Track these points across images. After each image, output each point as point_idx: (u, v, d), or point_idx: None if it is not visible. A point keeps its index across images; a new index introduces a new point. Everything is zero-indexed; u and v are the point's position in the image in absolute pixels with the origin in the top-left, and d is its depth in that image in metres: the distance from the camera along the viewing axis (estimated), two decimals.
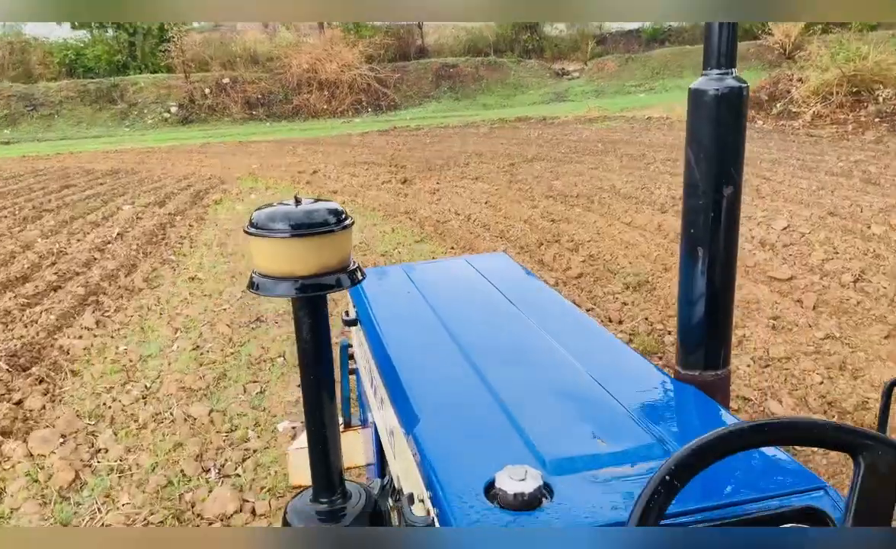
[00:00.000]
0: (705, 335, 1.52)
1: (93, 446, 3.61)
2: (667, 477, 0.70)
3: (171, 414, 3.88)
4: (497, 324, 1.77)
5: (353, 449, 2.46)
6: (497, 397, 1.34)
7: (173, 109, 23.67)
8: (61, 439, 3.67)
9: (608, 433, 1.18)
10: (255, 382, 4.27)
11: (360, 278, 1.16)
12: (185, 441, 3.58)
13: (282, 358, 4.55)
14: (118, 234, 8.23)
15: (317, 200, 1.15)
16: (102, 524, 2.95)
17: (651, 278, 5.72)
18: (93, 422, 3.85)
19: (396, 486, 1.40)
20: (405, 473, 1.33)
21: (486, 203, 8.95)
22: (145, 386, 4.25)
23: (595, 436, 1.17)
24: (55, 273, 6.56)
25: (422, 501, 1.15)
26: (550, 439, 1.16)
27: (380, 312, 1.91)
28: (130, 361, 4.63)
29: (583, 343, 1.60)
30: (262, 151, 16.92)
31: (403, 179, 11.01)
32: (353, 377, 2.41)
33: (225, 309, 5.59)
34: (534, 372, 1.46)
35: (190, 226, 8.73)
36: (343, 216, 1.15)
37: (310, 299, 1.17)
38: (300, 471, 2.74)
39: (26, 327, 5.19)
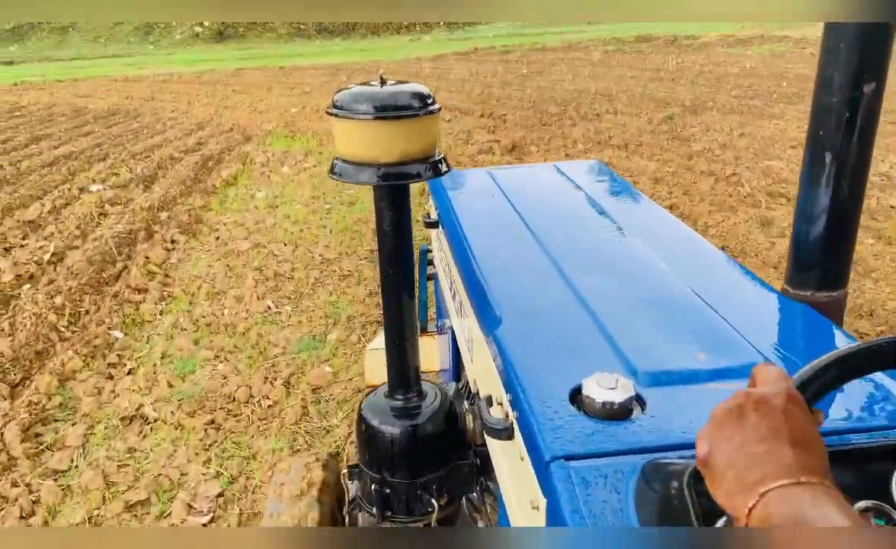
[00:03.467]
0: (824, 252, 1.33)
1: None
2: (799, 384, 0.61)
3: None
4: (589, 232, 1.65)
5: (429, 355, 2.29)
6: (587, 306, 1.23)
7: (206, 22, 19.97)
8: None
9: (710, 348, 1.05)
10: None
11: (445, 169, 1.17)
12: None
13: None
14: (52, 256, 4.87)
15: (402, 82, 1.14)
16: None
17: None
18: None
19: (473, 389, 1.40)
20: (483, 376, 1.27)
21: (671, 209, 5.17)
22: None
23: (695, 350, 1.05)
24: None
25: (500, 404, 1.08)
26: (645, 351, 1.05)
27: (463, 214, 1.79)
28: None
29: (683, 255, 1.47)
30: (308, 83, 13.27)
31: (511, 147, 7.21)
32: (430, 284, 2.37)
33: None
34: (628, 282, 1.34)
35: (171, 242, 5.25)
36: (430, 100, 1.13)
37: (392, 190, 1.19)
38: (376, 373, 2.36)
39: None
